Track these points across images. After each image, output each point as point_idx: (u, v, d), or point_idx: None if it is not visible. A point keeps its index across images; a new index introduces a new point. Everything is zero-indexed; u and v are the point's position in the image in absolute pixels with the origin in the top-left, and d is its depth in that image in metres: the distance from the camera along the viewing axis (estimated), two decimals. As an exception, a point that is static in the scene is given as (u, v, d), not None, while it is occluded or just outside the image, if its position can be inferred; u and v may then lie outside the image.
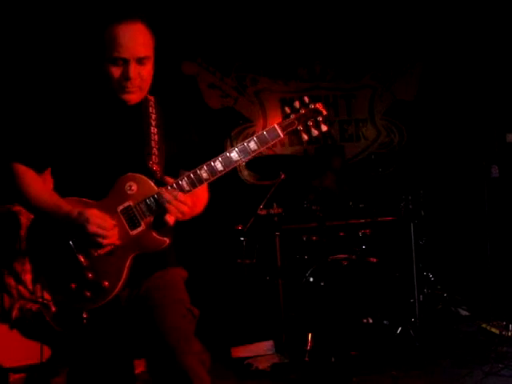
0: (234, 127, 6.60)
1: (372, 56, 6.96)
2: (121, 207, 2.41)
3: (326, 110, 2.46)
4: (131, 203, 2.40)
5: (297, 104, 2.45)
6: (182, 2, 6.16)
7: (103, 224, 2.35)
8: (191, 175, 2.39)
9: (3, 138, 2.58)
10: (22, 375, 4.42)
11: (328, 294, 4.75)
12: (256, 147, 2.41)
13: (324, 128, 2.45)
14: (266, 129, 2.42)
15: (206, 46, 6.44)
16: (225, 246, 5.60)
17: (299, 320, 4.82)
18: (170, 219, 2.39)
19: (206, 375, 2.37)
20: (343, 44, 6.83)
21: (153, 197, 2.38)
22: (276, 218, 5.13)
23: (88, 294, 2.39)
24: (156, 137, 2.55)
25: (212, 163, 2.39)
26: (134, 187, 2.40)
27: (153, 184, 2.42)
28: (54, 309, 2.52)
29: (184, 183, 2.38)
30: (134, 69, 2.42)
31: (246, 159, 2.43)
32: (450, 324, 5.32)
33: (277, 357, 4.80)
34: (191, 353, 2.34)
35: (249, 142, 2.41)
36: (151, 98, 2.63)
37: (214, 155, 2.49)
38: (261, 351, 4.89)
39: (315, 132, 2.45)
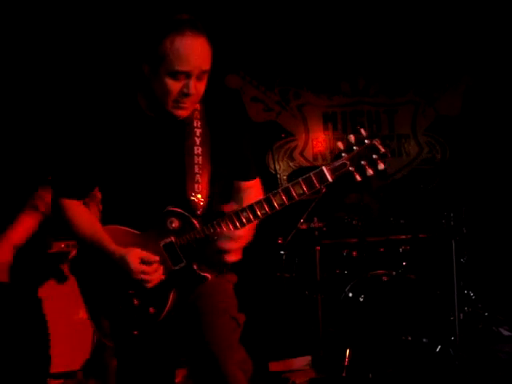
0: (275, 140, 6.63)
1: (416, 71, 6.93)
2: (163, 243, 2.41)
3: (384, 147, 2.18)
4: (173, 239, 2.40)
5: (352, 138, 2.20)
6: (226, 15, 6.21)
7: (146, 269, 2.36)
8: (233, 217, 2.33)
9: (51, 174, 2.64)
10: (61, 381, 4.49)
11: (367, 310, 4.72)
12: (301, 191, 2.27)
13: (380, 166, 2.17)
14: (314, 171, 2.25)
15: (250, 59, 6.49)
16: (264, 259, 5.60)
17: (337, 335, 4.80)
18: (230, 259, 2.39)
19: None
20: (387, 59, 6.82)
21: (196, 238, 2.37)
22: (316, 233, 5.12)
23: (135, 318, 2.42)
24: (200, 159, 2.47)
25: (255, 206, 2.31)
26: (175, 224, 2.40)
27: (194, 221, 2.40)
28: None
29: (224, 226, 2.34)
30: (194, 85, 2.32)
31: (290, 203, 2.30)
32: (491, 344, 5.21)
33: (314, 372, 4.77)
34: (233, 362, 2.35)
35: (294, 185, 2.28)
36: (197, 106, 2.51)
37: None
38: (298, 366, 4.88)
39: (370, 171, 2.18)
